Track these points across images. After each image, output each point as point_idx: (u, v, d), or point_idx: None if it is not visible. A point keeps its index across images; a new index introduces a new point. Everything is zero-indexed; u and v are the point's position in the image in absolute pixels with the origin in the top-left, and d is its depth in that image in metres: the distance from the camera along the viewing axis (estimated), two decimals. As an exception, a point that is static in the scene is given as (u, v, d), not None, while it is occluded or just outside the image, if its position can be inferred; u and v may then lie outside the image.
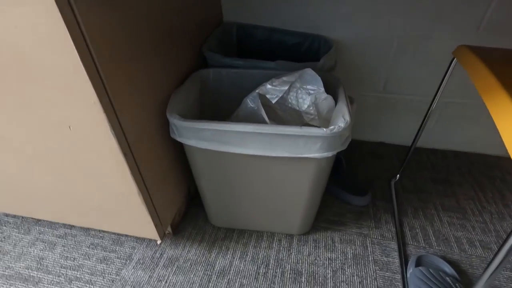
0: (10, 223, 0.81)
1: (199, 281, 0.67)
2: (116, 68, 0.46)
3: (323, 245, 0.75)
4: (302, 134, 0.50)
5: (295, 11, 0.84)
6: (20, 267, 0.71)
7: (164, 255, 0.73)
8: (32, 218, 0.82)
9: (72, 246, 0.75)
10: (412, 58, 0.86)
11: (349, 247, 0.74)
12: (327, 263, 0.71)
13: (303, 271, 0.69)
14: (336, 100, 0.61)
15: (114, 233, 0.78)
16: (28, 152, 0.56)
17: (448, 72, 0.66)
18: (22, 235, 0.78)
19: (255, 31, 0.88)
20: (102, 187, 0.58)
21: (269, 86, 0.65)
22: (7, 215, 0.84)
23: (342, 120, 0.50)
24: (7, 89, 0.46)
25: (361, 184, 0.88)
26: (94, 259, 0.72)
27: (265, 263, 0.71)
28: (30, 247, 0.75)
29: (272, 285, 0.67)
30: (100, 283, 0.67)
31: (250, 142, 0.53)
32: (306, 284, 0.67)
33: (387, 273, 0.69)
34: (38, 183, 0.62)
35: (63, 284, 0.67)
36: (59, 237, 0.77)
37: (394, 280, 0.67)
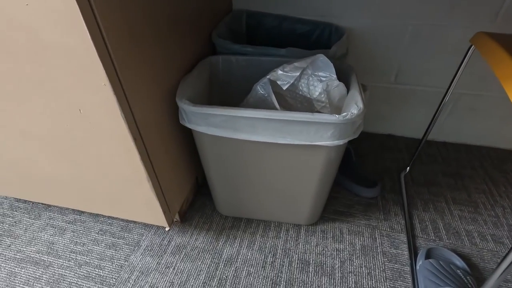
0: (21, 208, 0.83)
1: (206, 268, 0.68)
2: (127, 51, 0.45)
3: (331, 235, 0.74)
4: (314, 120, 0.49)
5: (306, -2, 0.82)
6: (31, 251, 0.72)
7: (172, 242, 0.73)
8: (42, 204, 0.83)
9: (81, 231, 0.76)
10: (425, 48, 0.84)
11: (357, 238, 0.74)
12: (335, 253, 0.70)
13: (311, 261, 0.69)
14: (348, 88, 0.60)
15: (123, 220, 0.78)
16: (38, 136, 0.56)
17: (464, 61, 0.64)
18: (33, 220, 0.79)
19: (264, 19, 0.86)
20: (112, 172, 0.58)
21: (280, 72, 0.63)
22: (18, 200, 0.85)
23: (355, 106, 0.49)
24: (16, 70, 0.45)
25: (370, 176, 0.87)
26: (103, 244, 0.73)
27: (272, 252, 0.71)
28: (41, 232, 0.76)
29: (279, 274, 0.67)
30: (109, 268, 0.68)
31: (260, 128, 0.52)
32: (314, 274, 0.66)
33: (396, 265, 0.68)
34: (48, 168, 0.63)
35: (73, 268, 0.68)
36: (68, 223, 0.78)
37: (403, 272, 0.67)
